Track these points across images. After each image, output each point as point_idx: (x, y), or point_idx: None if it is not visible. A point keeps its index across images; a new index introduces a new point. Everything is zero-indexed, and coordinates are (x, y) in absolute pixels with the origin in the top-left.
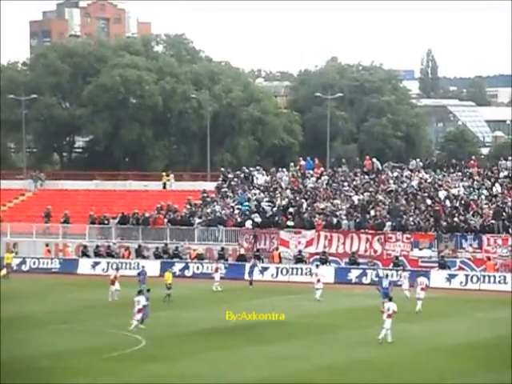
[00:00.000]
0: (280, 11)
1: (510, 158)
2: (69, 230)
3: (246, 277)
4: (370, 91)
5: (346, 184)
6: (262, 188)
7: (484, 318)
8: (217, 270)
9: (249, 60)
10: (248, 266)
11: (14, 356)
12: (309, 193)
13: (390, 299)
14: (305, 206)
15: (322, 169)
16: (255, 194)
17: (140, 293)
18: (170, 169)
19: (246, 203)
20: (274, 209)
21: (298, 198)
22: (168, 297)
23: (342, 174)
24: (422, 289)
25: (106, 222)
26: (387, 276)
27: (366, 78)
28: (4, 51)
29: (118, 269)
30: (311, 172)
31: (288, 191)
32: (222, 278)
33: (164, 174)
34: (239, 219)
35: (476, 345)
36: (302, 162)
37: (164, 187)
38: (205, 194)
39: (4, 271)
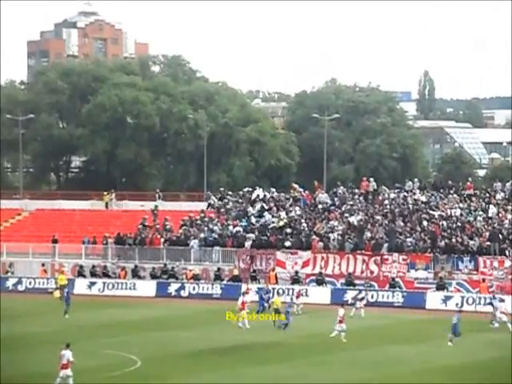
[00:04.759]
0: (279, 33)
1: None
2: (65, 249)
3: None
4: (366, 112)
5: (348, 205)
6: (259, 208)
7: (480, 340)
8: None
9: (247, 81)
10: (261, 291)
11: (10, 375)
12: (310, 213)
13: None
14: (303, 227)
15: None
16: (253, 214)
17: (342, 305)
18: (167, 189)
19: (244, 223)
20: (272, 227)
21: (296, 219)
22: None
23: (341, 196)
24: (502, 312)
25: (104, 242)
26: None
27: (361, 99)
28: (1, 71)
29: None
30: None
31: (284, 213)
32: (217, 298)
33: (105, 193)
34: (239, 239)
35: (470, 367)
36: (296, 186)
37: (106, 207)
38: (202, 214)
39: (57, 293)
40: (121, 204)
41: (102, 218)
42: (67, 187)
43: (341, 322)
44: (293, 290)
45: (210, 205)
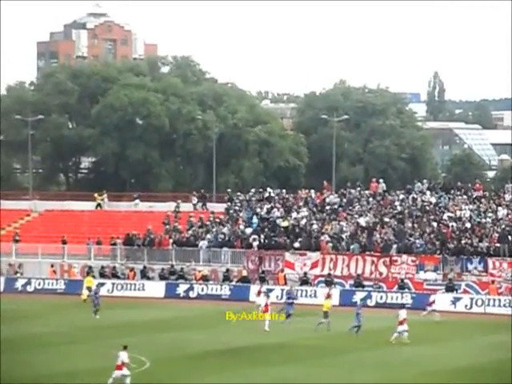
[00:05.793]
0: (288, 34)
1: None
2: (74, 250)
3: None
4: (375, 113)
5: (357, 205)
6: (268, 209)
7: (488, 342)
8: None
9: (256, 82)
10: (285, 294)
11: (17, 377)
12: (323, 214)
13: None
14: (312, 228)
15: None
16: (262, 216)
17: (404, 307)
18: (177, 190)
19: (254, 223)
20: (281, 227)
21: (305, 220)
22: (322, 324)
23: (352, 196)
24: None
25: (113, 243)
26: None
27: (370, 100)
28: (10, 72)
29: (268, 296)
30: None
31: (295, 212)
32: (226, 299)
33: (97, 194)
34: (250, 240)
35: (479, 368)
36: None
37: (98, 207)
38: (212, 215)
39: (85, 295)
40: (131, 205)
41: (110, 218)
42: (76, 188)
43: (401, 323)
44: (302, 290)
45: (194, 206)
